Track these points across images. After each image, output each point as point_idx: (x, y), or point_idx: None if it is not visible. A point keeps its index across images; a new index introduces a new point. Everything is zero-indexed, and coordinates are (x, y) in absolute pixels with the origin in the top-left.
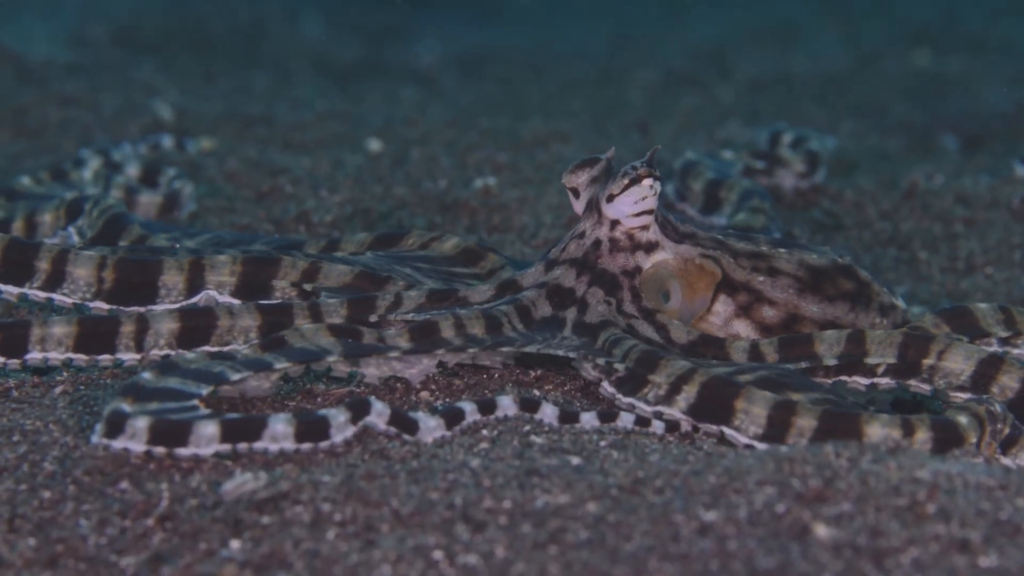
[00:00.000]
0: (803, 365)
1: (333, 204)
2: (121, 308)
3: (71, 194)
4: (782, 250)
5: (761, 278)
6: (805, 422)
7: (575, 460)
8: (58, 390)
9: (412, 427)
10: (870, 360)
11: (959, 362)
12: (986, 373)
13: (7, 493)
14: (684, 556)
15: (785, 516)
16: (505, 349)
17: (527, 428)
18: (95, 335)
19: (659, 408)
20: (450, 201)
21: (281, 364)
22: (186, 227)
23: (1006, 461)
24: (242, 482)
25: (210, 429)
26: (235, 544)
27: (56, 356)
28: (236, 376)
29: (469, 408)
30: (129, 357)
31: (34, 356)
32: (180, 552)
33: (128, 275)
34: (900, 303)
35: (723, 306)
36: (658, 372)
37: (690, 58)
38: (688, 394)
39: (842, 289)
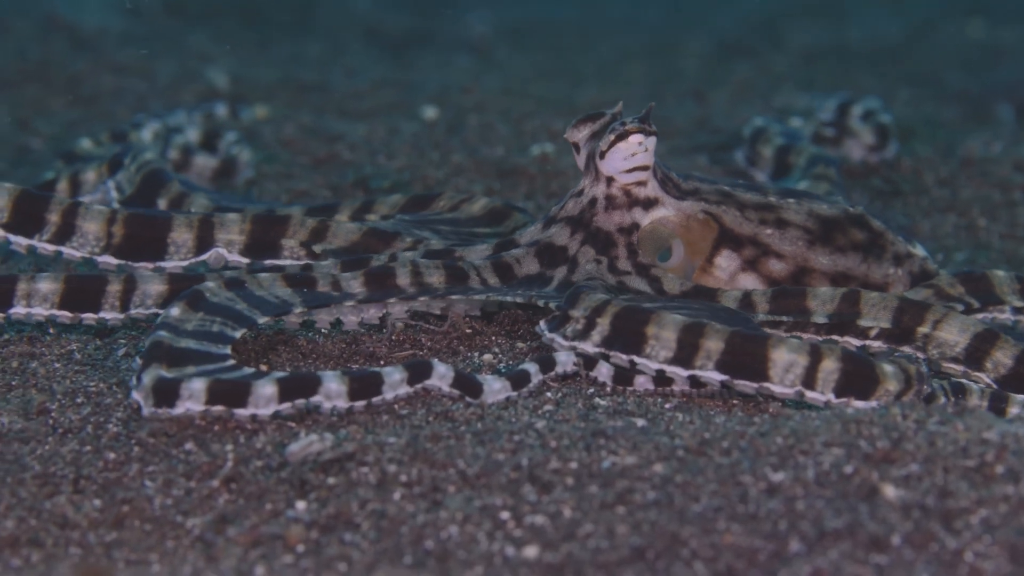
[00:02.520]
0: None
1: (391, 170)
2: (129, 264)
3: (114, 151)
4: (791, 200)
5: (769, 231)
6: (713, 344)
7: (640, 422)
8: (121, 352)
9: (476, 389)
10: (863, 322)
11: (954, 334)
12: (980, 347)
13: (72, 454)
14: (752, 516)
15: (853, 477)
16: (456, 297)
17: (591, 391)
18: (81, 293)
19: (575, 343)
20: (508, 168)
21: (262, 319)
22: (226, 193)
23: None
24: (308, 443)
25: (268, 389)
26: (301, 505)
27: (40, 312)
28: (238, 333)
29: (533, 369)
30: (113, 316)
31: (18, 311)
32: (246, 513)
33: (137, 230)
34: (919, 251)
35: (727, 260)
36: (577, 306)
37: (741, 28)
38: (602, 327)
39: (854, 239)
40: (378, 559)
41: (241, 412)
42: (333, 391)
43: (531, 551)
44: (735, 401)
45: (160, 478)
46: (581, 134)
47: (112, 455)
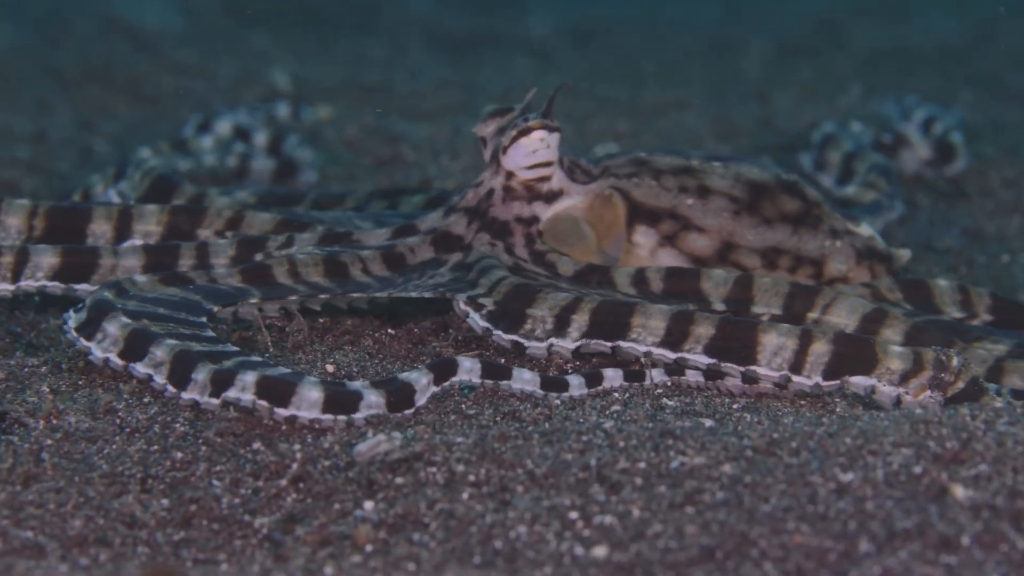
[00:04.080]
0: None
1: (455, 170)
2: None
3: (112, 167)
4: (716, 164)
5: (690, 201)
6: (703, 330)
7: (708, 422)
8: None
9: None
10: (756, 308)
11: (843, 316)
12: (869, 328)
13: (139, 454)
14: (822, 516)
15: (922, 477)
16: (356, 295)
17: (659, 391)
18: None
19: (552, 341)
20: None
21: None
22: (243, 185)
23: None
24: (375, 443)
25: (315, 394)
26: (369, 505)
27: None
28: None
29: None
30: (3, 288)
31: None
32: (314, 513)
33: (58, 223)
34: (864, 230)
35: (644, 237)
36: (538, 305)
37: (803, 28)
38: (580, 322)
39: (784, 209)
40: (446, 559)
41: (281, 411)
42: (374, 403)
43: (600, 551)
44: (803, 402)
45: (228, 477)
46: (488, 128)
47: (179, 454)
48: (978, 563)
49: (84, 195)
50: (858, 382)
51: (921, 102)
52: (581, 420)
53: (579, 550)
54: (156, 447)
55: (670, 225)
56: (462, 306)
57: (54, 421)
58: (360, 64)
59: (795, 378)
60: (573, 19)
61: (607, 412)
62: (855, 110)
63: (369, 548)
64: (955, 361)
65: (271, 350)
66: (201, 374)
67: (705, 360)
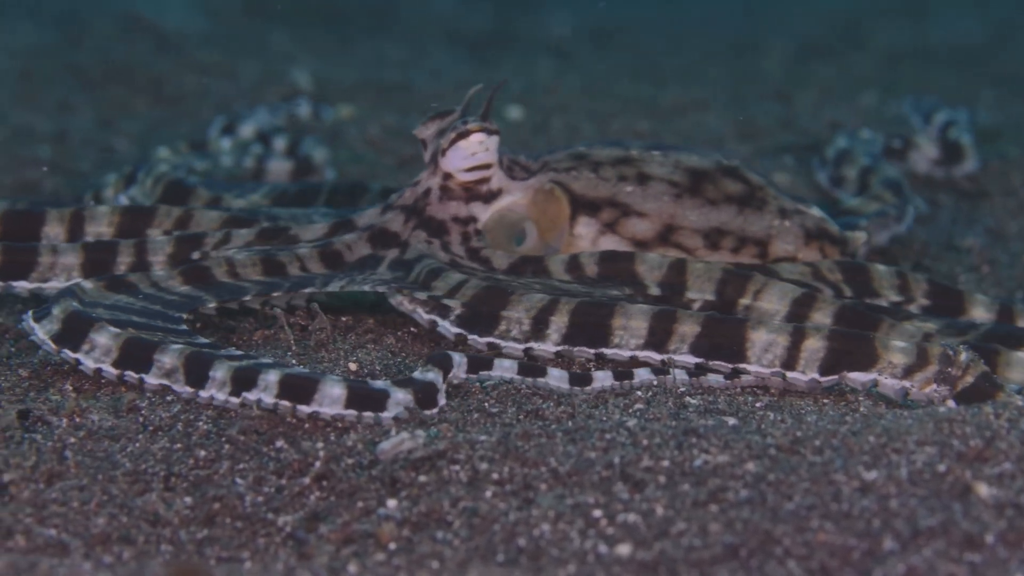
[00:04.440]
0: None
1: None
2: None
3: (128, 167)
4: (656, 152)
5: (629, 188)
6: (688, 328)
7: (732, 421)
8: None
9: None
10: (689, 294)
11: (774, 302)
12: (799, 313)
13: (162, 452)
14: (846, 515)
15: (946, 475)
16: (308, 290)
17: (682, 390)
18: None
19: (531, 344)
20: None
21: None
22: (251, 183)
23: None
24: (399, 441)
25: (337, 391)
26: (392, 503)
27: None
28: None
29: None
30: None
31: None
32: (337, 511)
33: (13, 227)
34: (815, 211)
35: (585, 227)
36: (512, 308)
37: (823, 29)
38: (559, 324)
39: (727, 191)
40: (470, 557)
41: (304, 408)
42: (402, 399)
43: (624, 549)
44: (826, 400)
45: (251, 475)
46: (429, 131)
47: (203, 452)
48: (1002, 561)
49: (96, 197)
50: (857, 378)
51: (939, 103)
52: (604, 418)
53: (603, 548)
54: (179, 445)
55: (610, 213)
56: (425, 315)
57: (77, 419)
58: (381, 64)
59: (789, 374)
60: (593, 19)
61: (630, 410)
62: (873, 112)
63: (392, 546)
64: (963, 356)
65: (293, 348)
66: (220, 372)
67: (692, 359)
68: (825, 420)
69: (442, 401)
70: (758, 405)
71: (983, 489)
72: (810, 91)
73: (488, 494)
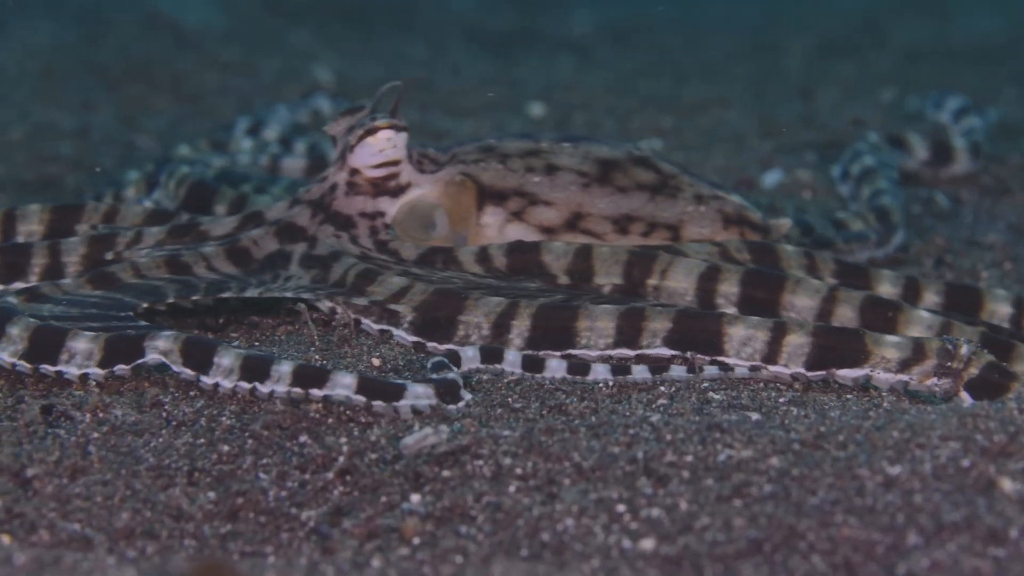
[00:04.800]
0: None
1: None
2: None
3: (150, 167)
4: (566, 145)
5: (536, 178)
6: (658, 324)
7: (755, 416)
8: (234, 345)
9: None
10: (597, 279)
11: (680, 280)
12: (706, 287)
13: (186, 447)
14: (870, 509)
15: (970, 470)
16: (228, 295)
17: (705, 385)
18: None
19: (496, 346)
20: None
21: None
22: (273, 177)
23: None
24: (423, 436)
25: (347, 379)
26: (415, 498)
27: None
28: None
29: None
30: None
31: None
32: (361, 506)
33: None
34: (734, 198)
35: (491, 216)
36: (469, 312)
37: (843, 26)
38: (521, 328)
39: (638, 180)
40: (494, 552)
41: (316, 392)
42: (421, 393)
43: (648, 543)
44: (849, 395)
45: (274, 470)
46: (339, 127)
47: (226, 447)
48: None
49: (115, 196)
50: (847, 374)
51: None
52: (628, 413)
53: (627, 543)
54: (202, 440)
55: (517, 202)
56: (375, 325)
57: (100, 414)
58: (402, 61)
59: (771, 368)
60: (614, 17)
61: (654, 405)
62: (894, 109)
63: (416, 541)
64: (964, 349)
65: (316, 343)
66: (226, 359)
67: (668, 352)
68: (849, 415)
69: (467, 397)
70: (781, 400)
71: (1007, 484)
72: (831, 88)
73: (512, 489)
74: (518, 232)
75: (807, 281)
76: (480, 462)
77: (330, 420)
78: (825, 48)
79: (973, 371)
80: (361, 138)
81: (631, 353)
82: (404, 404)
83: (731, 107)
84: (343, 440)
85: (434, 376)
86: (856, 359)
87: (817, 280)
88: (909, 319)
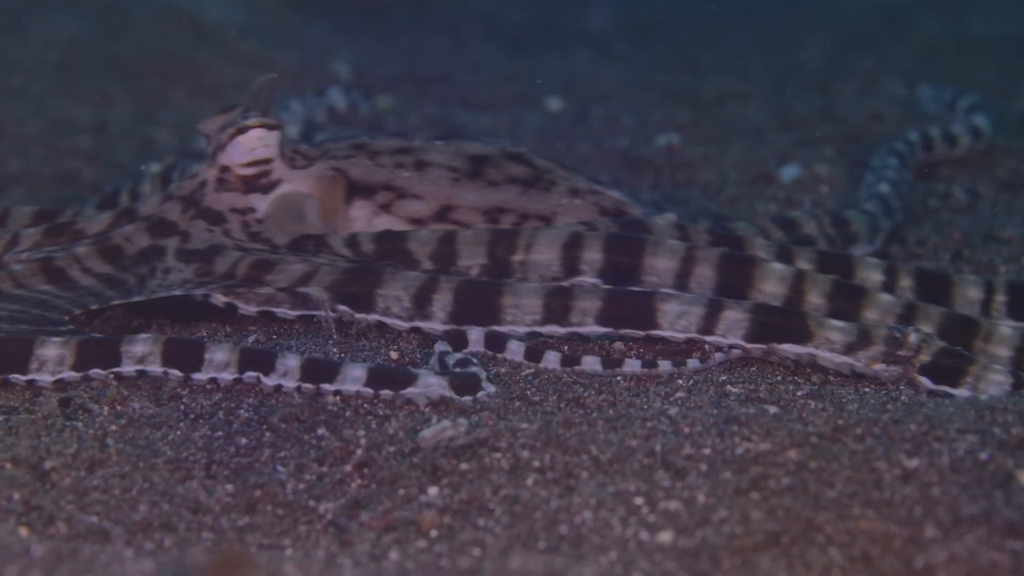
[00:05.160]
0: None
1: None
2: None
3: (167, 162)
4: (438, 143)
5: (406, 173)
6: (589, 303)
7: (773, 409)
8: (251, 339)
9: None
10: (462, 262)
11: (545, 252)
12: (571, 255)
13: (203, 440)
14: (887, 502)
15: (988, 463)
16: (118, 302)
17: (723, 378)
18: None
19: (416, 323)
20: (633, 158)
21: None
22: None
23: (929, 385)
24: (440, 429)
25: (357, 372)
26: (433, 490)
27: None
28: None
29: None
30: None
31: None
32: (378, 498)
33: None
34: (613, 193)
35: (360, 210)
36: (387, 286)
37: (862, 20)
38: (443, 302)
39: (510, 174)
40: (512, 544)
41: (327, 387)
42: (434, 383)
43: (665, 536)
44: (867, 388)
45: (292, 463)
46: (213, 126)
47: (244, 440)
48: None
49: (132, 193)
50: (790, 349)
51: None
52: (645, 407)
53: (644, 535)
54: (220, 433)
55: (385, 196)
56: (292, 311)
57: (118, 407)
58: (420, 55)
59: (708, 339)
60: (632, 11)
61: (671, 399)
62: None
63: (434, 533)
64: (912, 337)
65: (335, 336)
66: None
67: (601, 330)
68: (867, 408)
69: (491, 389)
70: (799, 394)
71: None
72: (850, 82)
73: (529, 482)
74: (387, 223)
75: (665, 243)
76: (498, 455)
77: (348, 413)
78: (843, 42)
79: (924, 358)
80: (232, 137)
81: (561, 331)
82: (415, 392)
83: (749, 101)
84: (361, 433)
85: (457, 370)
86: (798, 337)
87: (676, 242)
88: (763, 272)
